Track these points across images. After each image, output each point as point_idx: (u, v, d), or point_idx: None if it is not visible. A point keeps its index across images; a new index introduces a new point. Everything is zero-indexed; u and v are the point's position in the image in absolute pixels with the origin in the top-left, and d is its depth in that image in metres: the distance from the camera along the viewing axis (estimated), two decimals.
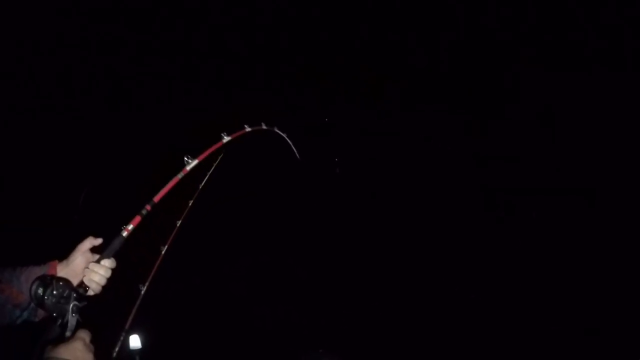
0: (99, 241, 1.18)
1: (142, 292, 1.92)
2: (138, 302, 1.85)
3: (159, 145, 3.21)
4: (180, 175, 1.40)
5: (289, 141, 2.24)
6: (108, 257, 1.17)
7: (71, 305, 1.06)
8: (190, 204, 2.14)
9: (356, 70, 3.93)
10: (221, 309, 3.10)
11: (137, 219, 1.24)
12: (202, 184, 2.21)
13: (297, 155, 2.31)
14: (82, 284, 1.12)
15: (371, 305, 3.20)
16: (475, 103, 3.78)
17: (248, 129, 1.83)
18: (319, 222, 3.61)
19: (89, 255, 1.16)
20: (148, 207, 1.29)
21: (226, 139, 1.65)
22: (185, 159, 1.44)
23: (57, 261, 1.16)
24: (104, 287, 1.14)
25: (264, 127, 1.97)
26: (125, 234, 1.20)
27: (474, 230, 3.57)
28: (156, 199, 1.32)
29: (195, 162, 1.45)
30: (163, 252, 2.07)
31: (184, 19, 3.49)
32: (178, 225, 2.02)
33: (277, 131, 2.13)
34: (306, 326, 3.02)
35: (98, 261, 1.16)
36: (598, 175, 3.34)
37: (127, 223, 1.22)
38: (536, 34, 3.46)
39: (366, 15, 3.69)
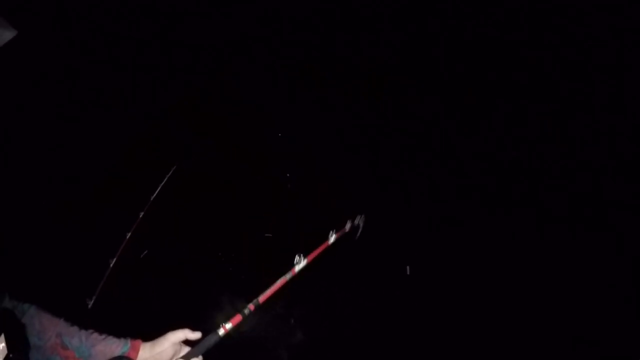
0: (195, 335, 1.06)
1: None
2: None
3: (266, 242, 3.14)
4: (288, 276, 1.33)
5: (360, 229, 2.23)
6: (197, 355, 1.04)
7: None
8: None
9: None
10: None
11: (238, 317, 1.14)
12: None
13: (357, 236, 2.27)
14: None
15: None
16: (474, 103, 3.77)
17: (348, 226, 1.86)
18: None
19: (179, 347, 1.05)
20: (252, 307, 1.18)
21: (332, 238, 1.64)
22: (297, 258, 1.38)
23: (140, 341, 1.04)
24: None
25: (356, 222, 2.02)
26: (222, 332, 1.08)
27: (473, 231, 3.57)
28: (261, 299, 1.22)
29: (304, 262, 1.39)
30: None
31: None
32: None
33: (361, 222, 2.15)
34: None
35: (187, 357, 1.03)
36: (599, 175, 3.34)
37: (227, 321, 1.12)
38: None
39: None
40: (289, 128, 3.90)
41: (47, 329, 0.99)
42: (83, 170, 3.23)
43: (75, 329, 1.01)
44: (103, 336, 1.03)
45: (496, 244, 3.47)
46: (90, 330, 1.03)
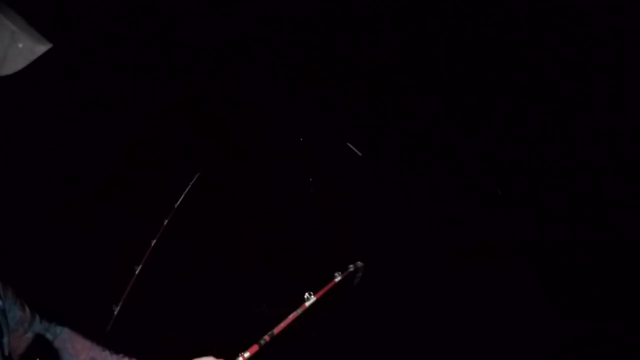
0: None
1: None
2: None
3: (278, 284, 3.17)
4: (299, 311, 1.51)
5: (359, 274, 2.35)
6: None
7: None
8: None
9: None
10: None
11: (255, 348, 1.27)
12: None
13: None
14: None
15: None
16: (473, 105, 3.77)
17: (351, 268, 2.04)
18: None
19: None
20: (267, 337, 1.33)
21: (338, 278, 1.85)
22: (306, 295, 1.57)
23: None
24: None
25: (359, 264, 2.15)
26: None
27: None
28: (276, 331, 1.38)
29: (314, 299, 1.59)
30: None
31: None
32: None
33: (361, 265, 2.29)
34: None
35: None
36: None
37: (245, 350, 1.24)
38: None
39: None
40: (289, 128, 3.91)
41: (80, 352, 1.02)
42: (83, 171, 3.23)
43: (107, 353, 1.05)
44: (128, 358, 1.07)
45: (496, 244, 3.47)
46: (121, 355, 1.07)
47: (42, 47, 1.13)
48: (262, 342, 1.31)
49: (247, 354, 1.23)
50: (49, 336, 1.02)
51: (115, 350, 1.09)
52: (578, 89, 3.42)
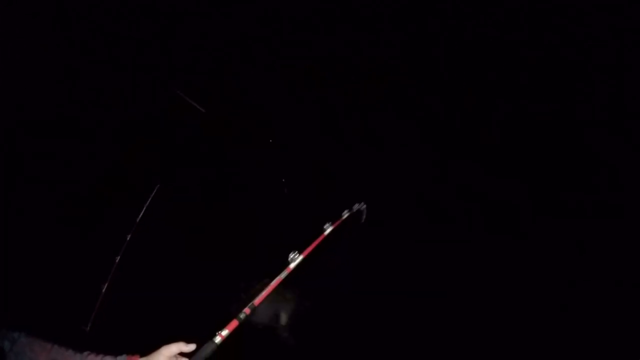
0: (189, 348, 1.05)
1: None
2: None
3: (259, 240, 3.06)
4: (283, 275, 1.28)
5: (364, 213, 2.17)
6: None
7: None
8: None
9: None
10: None
11: (234, 323, 1.10)
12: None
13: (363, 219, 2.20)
14: None
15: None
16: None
17: (346, 214, 1.74)
18: None
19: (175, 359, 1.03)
20: (247, 310, 1.14)
21: (329, 229, 1.55)
22: (291, 255, 1.32)
23: (138, 357, 1.04)
24: None
25: (356, 207, 1.92)
26: (218, 340, 1.06)
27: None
28: (257, 301, 1.18)
29: (300, 258, 1.33)
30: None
31: None
32: None
33: (364, 207, 2.08)
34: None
35: None
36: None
37: (222, 328, 1.08)
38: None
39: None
40: (289, 128, 3.90)
41: (40, 355, 0.99)
42: (83, 171, 3.22)
43: (70, 353, 1.02)
44: (99, 357, 1.03)
45: (497, 244, 3.46)
46: (86, 352, 1.02)
47: None
48: (242, 316, 1.11)
49: (225, 332, 1.06)
50: (6, 344, 1.00)
51: (80, 349, 1.04)
52: (578, 89, 3.41)
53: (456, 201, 3.73)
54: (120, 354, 1.04)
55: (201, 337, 1.08)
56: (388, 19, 3.73)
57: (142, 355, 1.05)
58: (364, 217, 2.14)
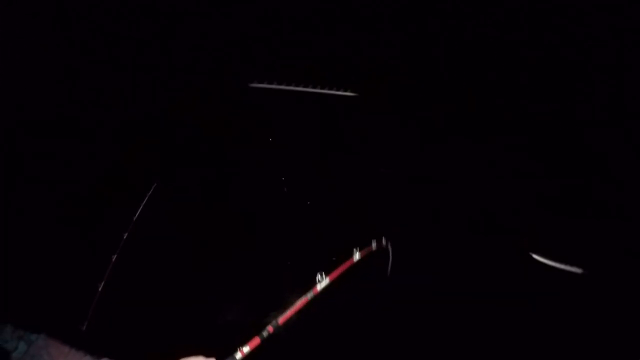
0: None
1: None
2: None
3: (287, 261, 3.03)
4: (309, 296, 1.29)
5: (390, 257, 2.16)
6: None
7: None
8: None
9: None
10: None
11: (256, 340, 1.09)
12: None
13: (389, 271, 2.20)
14: None
15: None
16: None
17: (374, 247, 1.79)
18: None
19: None
20: (270, 328, 1.13)
21: (357, 256, 1.59)
22: (318, 277, 1.33)
23: None
24: None
25: (383, 243, 1.97)
26: (239, 356, 1.04)
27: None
28: (281, 320, 1.17)
29: (327, 281, 1.35)
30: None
31: None
32: None
33: (389, 248, 2.08)
34: None
35: None
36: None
37: (244, 343, 1.06)
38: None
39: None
40: (289, 128, 3.91)
41: (56, 358, 0.98)
42: (83, 171, 3.22)
43: (87, 358, 1.02)
44: None
45: (497, 245, 3.47)
46: (104, 359, 1.03)
47: None
48: (265, 333, 1.11)
49: (246, 349, 1.05)
50: (22, 345, 0.99)
51: (98, 354, 1.03)
52: (578, 89, 3.41)
53: (456, 201, 3.73)
54: (119, 355, 1.03)
55: (220, 352, 1.06)
56: (388, 19, 3.72)
57: None
58: (390, 257, 2.15)
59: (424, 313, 3.00)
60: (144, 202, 2.72)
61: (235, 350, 1.06)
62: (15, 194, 2.84)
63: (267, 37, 3.75)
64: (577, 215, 3.39)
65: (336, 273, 1.43)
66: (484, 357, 2.96)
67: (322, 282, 1.36)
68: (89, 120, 3.32)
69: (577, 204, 3.43)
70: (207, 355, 1.03)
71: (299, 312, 1.24)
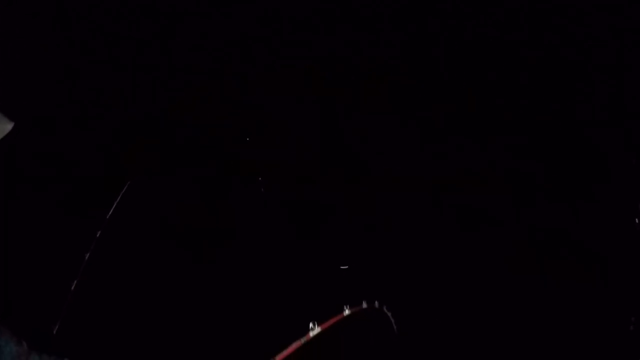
0: None
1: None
2: None
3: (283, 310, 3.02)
4: (302, 340, 1.46)
5: (392, 320, 2.36)
6: None
7: None
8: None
9: None
10: None
11: None
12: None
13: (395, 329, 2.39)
14: None
15: None
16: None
17: (365, 306, 1.99)
18: None
19: None
20: None
21: (347, 312, 1.80)
22: (311, 325, 1.53)
23: None
24: None
25: (376, 305, 2.12)
26: None
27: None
28: (278, 358, 1.33)
29: (318, 329, 1.55)
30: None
31: None
32: None
33: (385, 311, 2.27)
34: None
35: None
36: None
37: None
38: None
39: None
40: (289, 128, 3.90)
41: None
42: (83, 171, 3.22)
43: None
44: None
45: (499, 245, 3.47)
46: None
47: (7, 126, 1.13)
48: None
49: None
50: None
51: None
52: (578, 89, 3.42)
53: (455, 201, 3.73)
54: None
55: None
56: (388, 19, 3.73)
57: None
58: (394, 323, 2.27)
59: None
60: (117, 200, 2.71)
61: None
62: (15, 195, 2.84)
63: (267, 37, 3.76)
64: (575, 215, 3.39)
65: (327, 324, 1.62)
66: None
67: (315, 330, 1.55)
68: (89, 120, 3.32)
69: (576, 203, 3.43)
70: None
71: (294, 354, 1.38)
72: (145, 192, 2.95)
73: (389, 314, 2.31)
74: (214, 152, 3.71)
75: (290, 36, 3.77)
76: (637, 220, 3.04)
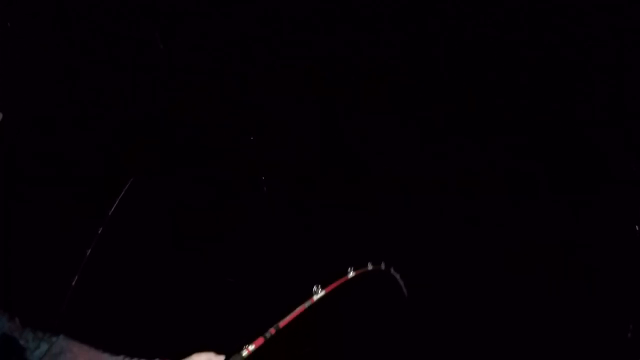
0: (219, 358, 1.11)
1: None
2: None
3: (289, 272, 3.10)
4: (307, 304, 1.46)
5: (400, 282, 2.37)
6: None
7: None
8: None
9: None
10: None
11: (260, 340, 1.24)
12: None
13: (405, 292, 2.41)
14: None
15: None
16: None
17: (370, 267, 1.97)
18: None
19: None
20: (272, 330, 1.31)
21: (351, 274, 1.78)
22: (314, 288, 1.52)
23: None
24: None
25: (382, 267, 2.11)
26: (245, 353, 1.18)
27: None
28: (281, 324, 1.35)
29: (323, 293, 1.54)
30: None
31: None
32: None
33: (393, 273, 2.26)
34: None
35: None
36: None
37: (250, 342, 1.21)
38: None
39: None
40: (289, 128, 3.90)
41: (78, 357, 1.00)
42: (83, 171, 3.22)
43: (105, 356, 1.03)
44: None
45: (500, 245, 3.46)
46: (121, 356, 1.04)
47: None
48: (268, 335, 1.28)
49: (252, 347, 1.19)
50: (44, 344, 1.01)
51: (115, 351, 1.07)
52: (578, 89, 3.41)
53: (454, 201, 3.73)
54: (150, 358, 1.06)
55: (226, 350, 1.15)
56: (388, 19, 3.73)
57: None
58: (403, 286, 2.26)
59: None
60: (120, 196, 2.72)
61: (242, 349, 1.18)
62: (14, 195, 2.84)
63: (267, 37, 3.75)
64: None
65: (331, 287, 1.61)
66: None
67: (319, 294, 1.53)
68: (89, 120, 3.32)
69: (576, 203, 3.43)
70: (217, 351, 1.12)
71: (298, 318, 1.39)
72: (146, 191, 2.96)
73: (397, 276, 2.29)
74: (214, 152, 3.71)
75: (290, 36, 3.77)
76: (637, 228, 3.03)
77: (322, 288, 1.54)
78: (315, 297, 1.50)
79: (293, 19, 3.71)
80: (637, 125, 3.23)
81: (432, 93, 3.82)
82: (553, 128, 3.58)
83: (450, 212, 3.70)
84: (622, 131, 3.31)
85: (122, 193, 2.69)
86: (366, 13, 3.67)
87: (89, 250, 2.50)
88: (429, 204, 3.76)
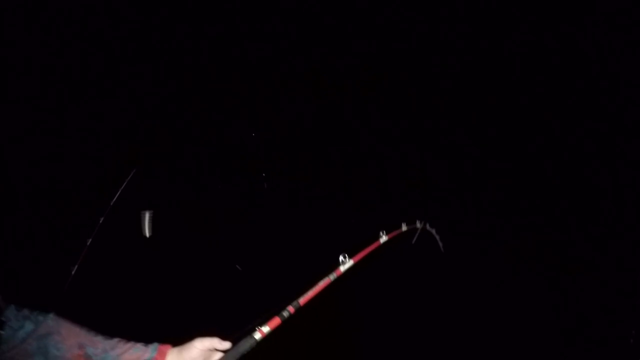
0: (224, 345, 0.97)
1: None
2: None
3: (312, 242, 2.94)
4: (332, 277, 1.21)
5: (437, 237, 2.25)
6: None
7: None
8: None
9: None
10: None
11: (276, 320, 1.02)
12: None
13: (442, 248, 2.29)
14: None
15: None
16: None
17: (404, 228, 1.73)
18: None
19: (209, 353, 0.97)
20: (291, 309, 1.06)
21: (384, 238, 1.52)
22: (341, 258, 1.26)
23: (169, 346, 0.96)
24: None
25: (418, 225, 1.93)
26: (258, 336, 0.98)
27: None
28: (302, 301, 1.10)
29: (351, 262, 1.27)
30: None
31: None
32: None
33: (429, 229, 2.12)
34: None
35: None
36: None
37: (263, 323, 1.00)
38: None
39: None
40: (288, 128, 3.91)
41: (67, 339, 0.91)
42: (81, 170, 3.22)
43: (99, 338, 0.94)
44: (129, 344, 0.95)
45: (500, 244, 3.46)
46: (116, 339, 0.96)
47: None
48: (285, 314, 1.03)
49: (266, 329, 0.98)
50: (28, 325, 0.91)
51: (109, 333, 0.98)
52: (578, 89, 3.41)
53: (454, 201, 3.73)
54: (149, 342, 0.99)
55: (238, 331, 1.01)
56: (388, 19, 3.72)
57: (175, 345, 0.98)
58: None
59: None
60: (122, 186, 2.68)
61: (254, 330, 1.00)
62: (14, 195, 2.83)
63: (267, 37, 3.75)
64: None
65: (361, 255, 1.35)
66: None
67: (346, 264, 1.26)
68: (90, 120, 3.31)
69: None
70: (223, 335, 0.99)
71: (321, 294, 1.16)
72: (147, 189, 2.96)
73: (433, 231, 2.17)
74: (214, 152, 3.71)
75: (290, 36, 3.77)
76: None
77: (350, 257, 1.26)
78: (343, 268, 1.25)
79: (293, 19, 3.71)
80: (637, 126, 3.23)
81: (432, 93, 3.82)
82: (553, 129, 3.57)
83: (450, 211, 3.69)
84: (622, 131, 3.30)
85: (124, 183, 2.67)
86: (366, 14, 3.66)
87: (89, 240, 2.48)
88: (428, 204, 3.74)
